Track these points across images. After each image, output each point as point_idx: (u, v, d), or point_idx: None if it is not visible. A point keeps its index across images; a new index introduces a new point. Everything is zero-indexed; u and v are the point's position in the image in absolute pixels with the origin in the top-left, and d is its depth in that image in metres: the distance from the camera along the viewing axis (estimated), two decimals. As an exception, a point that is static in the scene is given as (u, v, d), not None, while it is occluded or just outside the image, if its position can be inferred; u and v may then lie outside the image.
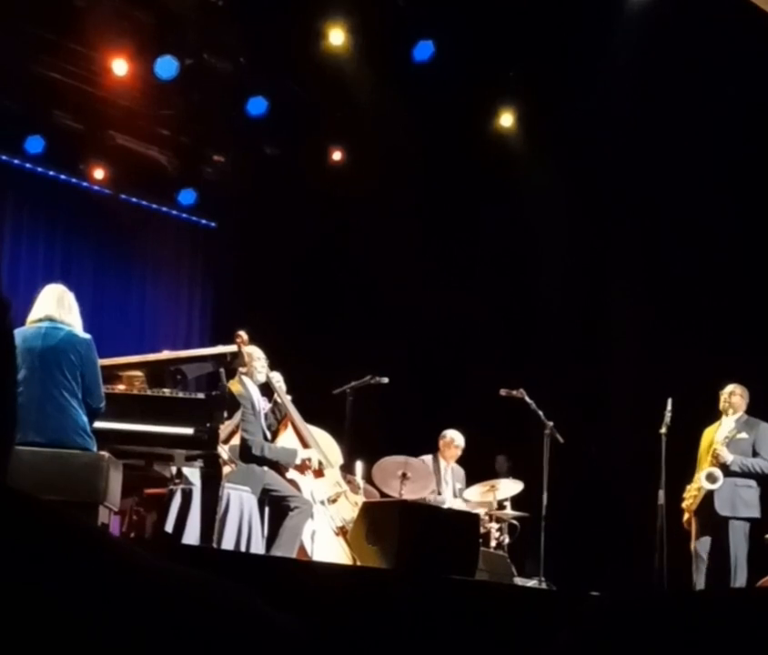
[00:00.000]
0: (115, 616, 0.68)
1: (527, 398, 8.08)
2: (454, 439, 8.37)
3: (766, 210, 8.51)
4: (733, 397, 7.45)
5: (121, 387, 5.87)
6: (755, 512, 7.27)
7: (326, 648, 3.02)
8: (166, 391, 5.81)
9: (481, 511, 7.92)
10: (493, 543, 7.90)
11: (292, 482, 6.80)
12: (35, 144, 9.69)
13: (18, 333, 5.04)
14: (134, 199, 10.64)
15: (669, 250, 9.27)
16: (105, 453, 5.13)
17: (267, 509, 6.61)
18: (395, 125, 9.44)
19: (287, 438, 7.06)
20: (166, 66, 8.98)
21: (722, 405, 7.52)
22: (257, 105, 9.79)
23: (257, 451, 6.60)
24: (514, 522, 8.14)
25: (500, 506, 8.12)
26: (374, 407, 8.13)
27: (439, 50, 9.37)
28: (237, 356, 6.53)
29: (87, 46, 8.92)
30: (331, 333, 10.32)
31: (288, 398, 7.20)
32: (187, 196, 10.78)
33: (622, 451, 8.96)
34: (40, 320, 5.21)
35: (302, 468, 6.91)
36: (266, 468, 6.62)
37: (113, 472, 5.11)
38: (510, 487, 8.18)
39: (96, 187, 10.26)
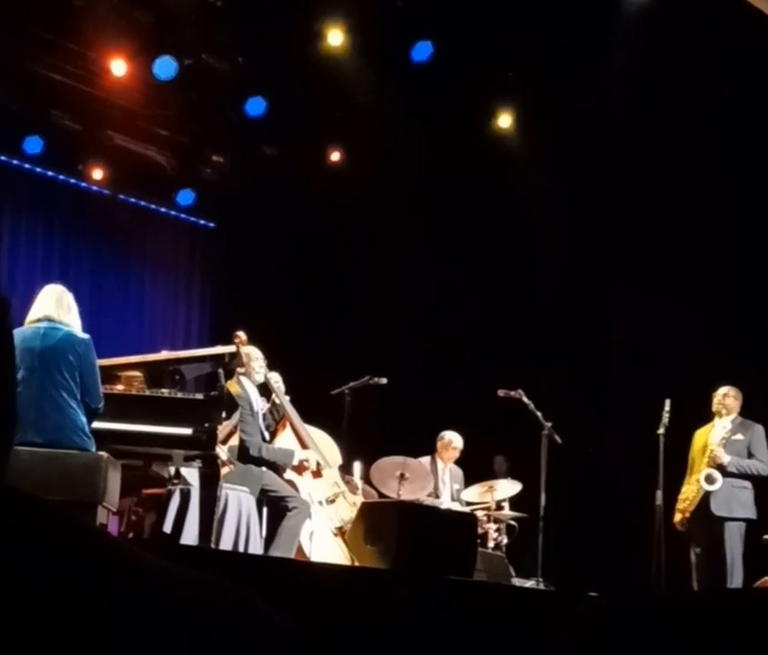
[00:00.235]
0: (114, 616, 0.68)
1: (525, 399, 8.08)
2: (452, 441, 8.37)
3: (765, 211, 8.51)
4: (727, 398, 7.48)
5: (120, 388, 5.87)
6: (750, 513, 7.30)
7: (324, 648, 3.02)
8: (165, 391, 5.81)
9: (480, 512, 7.93)
10: (491, 544, 7.90)
11: (290, 483, 6.80)
12: (33, 144, 9.68)
13: (17, 333, 5.04)
14: (132, 199, 10.63)
15: (668, 250, 9.27)
16: (103, 453, 5.13)
17: (265, 510, 6.61)
18: (393, 125, 9.44)
19: (285, 439, 7.06)
20: (165, 67, 8.97)
21: (715, 407, 7.55)
22: (255, 106, 9.79)
23: (255, 452, 6.60)
24: (512, 523, 8.15)
25: (498, 506, 8.12)
26: (372, 407, 8.13)
27: (437, 51, 9.37)
28: (235, 356, 6.53)
29: (86, 46, 8.91)
30: (330, 333, 10.32)
31: (287, 398, 7.19)
32: (186, 197, 10.78)
33: (621, 452, 8.95)
34: (39, 320, 5.21)
35: (300, 469, 6.91)
36: (264, 469, 6.62)
37: (111, 472, 5.11)
38: (508, 487, 8.18)
39: (94, 188, 10.26)
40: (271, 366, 7.12)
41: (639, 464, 8.00)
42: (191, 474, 6.02)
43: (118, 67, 8.98)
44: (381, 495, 7.74)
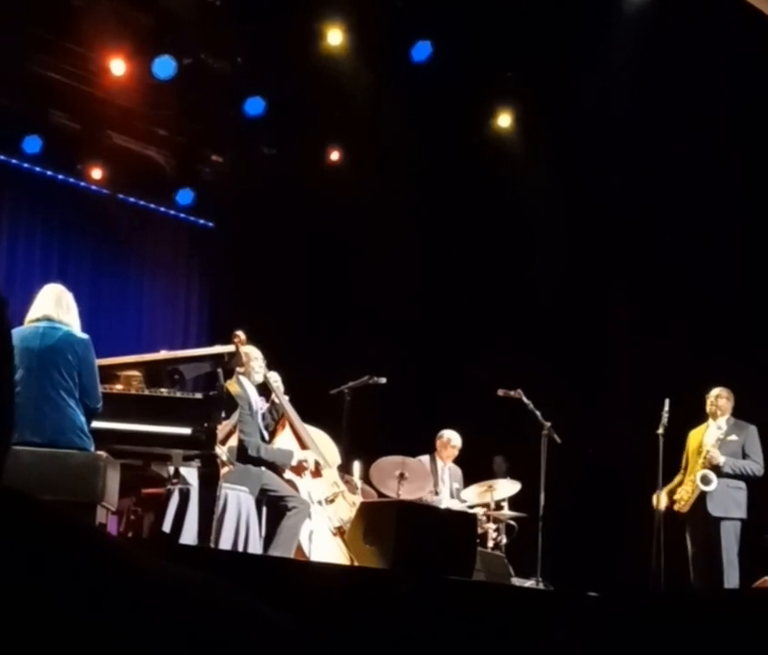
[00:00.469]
0: (113, 616, 0.68)
1: (524, 399, 8.08)
2: (451, 440, 8.37)
3: (764, 212, 8.51)
4: (720, 400, 7.55)
5: (119, 387, 5.87)
6: (744, 513, 7.37)
7: (323, 648, 3.02)
8: (164, 391, 5.81)
9: (479, 511, 7.93)
10: (490, 543, 7.90)
11: (290, 482, 6.80)
12: (32, 143, 9.68)
13: (16, 333, 5.03)
14: (131, 199, 10.63)
15: (667, 251, 9.27)
16: (102, 453, 5.13)
17: (264, 509, 6.61)
18: (393, 125, 9.44)
19: (284, 439, 7.06)
20: (164, 66, 8.98)
21: (708, 408, 7.61)
22: (254, 106, 9.79)
23: (254, 452, 6.60)
24: (511, 522, 8.15)
25: (498, 506, 8.12)
26: (372, 407, 8.13)
27: (437, 50, 9.37)
28: (234, 356, 6.53)
29: (85, 46, 8.91)
30: (329, 333, 10.32)
31: (286, 398, 7.19)
32: (185, 196, 10.78)
33: (620, 452, 8.96)
34: (38, 320, 5.21)
35: (299, 469, 6.91)
36: (263, 469, 6.62)
37: (110, 472, 5.11)
38: (507, 487, 8.18)
39: (93, 187, 10.25)
40: (270, 365, 7.11)
41: (638, 464, 8.00)
42: (190, 474, 6.02)
43: (117, 67, 8.99)
44: (381, 494, 7.74)
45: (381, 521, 6.04)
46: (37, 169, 9.98)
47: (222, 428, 6.19)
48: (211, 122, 10.07)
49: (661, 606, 0.96)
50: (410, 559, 5.61)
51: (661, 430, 7.52)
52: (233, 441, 6.71)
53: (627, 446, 8.73)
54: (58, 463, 4.96)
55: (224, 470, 6.13)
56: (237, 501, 6.25)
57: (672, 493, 7.60)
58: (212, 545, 5.72)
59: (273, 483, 6.61)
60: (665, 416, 7.50)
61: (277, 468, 6.76)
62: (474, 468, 8.51)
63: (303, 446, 7.04)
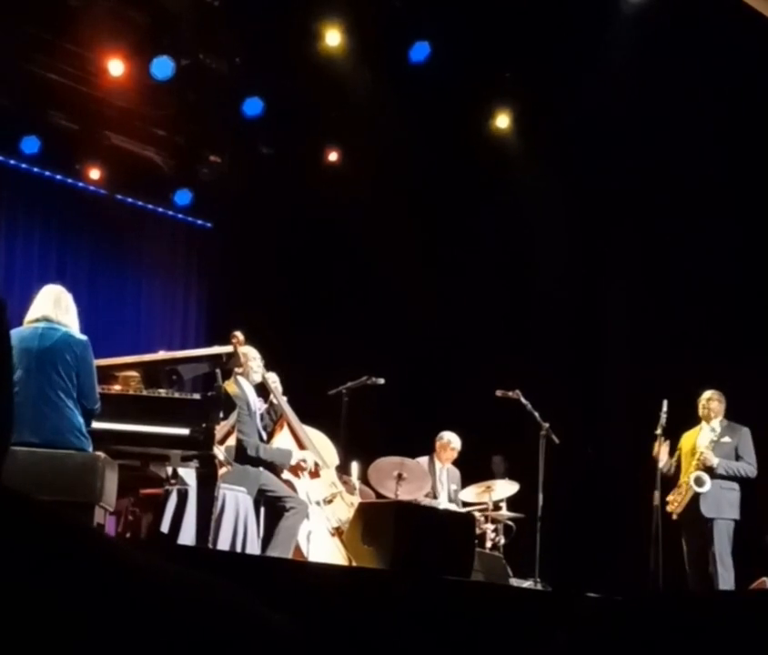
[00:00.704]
0: (111, 616, 0.68)
1: (523, 399, 8.08)
2: (450, 441, 8.37)
3: (763, 211, 8.52)
4: (712, 402, 7.62)
5: (117, 388, 5.86)
6: (737, 514, 7.43)
7: (322, 648, 3.02)
8: (162, 392, 5.80)
9: (477, 512, 7.93)
10: (489, 544, 7.90)
11: (288, 483, 6.79)
12: (30, 144, 9.68)
13: (15, 333, 5.04)
14: (129, 199, 10.63)
15: (665, 251, 9.28)
16: (100, 453, 5.13)
17: (262, 510, 6.61)
18: (391, 125, 9.44)
19: (282, 439, 7.06)
20: (163, 67, 8.98)
21: (700, 411, 7.69)
22: (253, 106, 9.79)
23: (252, 452, 6.60)
24: (510, 523, 8.15)
25: (496, 507, 8.12)
26: (370, 407, 8.13)
27: (435, 51, 9.37)
28: (232, 356, 6.52)
29: (83, 46, 8.91)
30: (327, 333, 10.32)
31: (284, 398, 7.19)
32: (183, 197, 10.78)
33: (618, 452, 8.97)
34: (37, 320, 5.21)
35: (297, 469, 6.90)
36: (261, 469, 6.62)
37: (108, 472, 5.11)
38: (505, 488, 8.19)
39: (91, 188, 10.25)
40: (268, 366, 7.11)
41: (636, 464, 8.01)
42: (188, 474, 6.02)
43: (115, 67, 8.99)
44: (379, 495, 7.74)
45: (379, 522, 6.03)
46: (35, 170, 9.98)
47: (220, 429, 6.19)
48: (209, 122, 10.06)
49: (659, 607, 0.96)
50: (409, 559, 5.61)
51: (659, 431, 7.56)
52: (231, 441, 6.70)
53: (625, 446, 8.74)
54: (56, 463, 4.95)
55: (222, 471, 6.13)
56: (236, 502, 6.25)
57: (661, 495, 7.62)
58: (210, 545, 5.72)
59: (271, 483, 6.61)
60: (663, 416, 7.53)
61: (275, 469, 6.76)
62: (473, 469, 8.51)
63: (301, 446, 7.04)
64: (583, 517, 8.88)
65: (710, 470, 7.40)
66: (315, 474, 7.02)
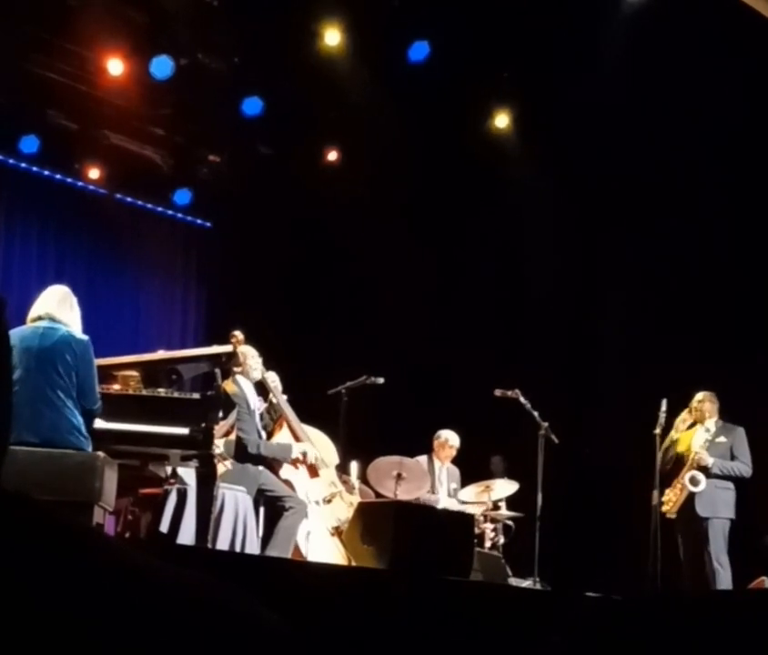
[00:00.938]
0: (110, 616, 0.68)
1: (522, 399, 8.08)
2: (449, 440, 8.37)
3: (758, 213, 8.52)
4: (704, 404, 7.66)
5: (116, 387, 5.86)
6: (732, 513, 7.43)
7: (320, 648, 3.02)
8: (162, 391, 5.80)
9: (476, 512, 7.93)
10: (488, 543, 7.90)
11: (287, 482, 6.80)
12: (29, 143, 9.67)
13: (16, 332, 5.05)
14: (129, 199, 10.62)
15: (663, 251, 9.27)
16: (100, 453, 5.13)
17: (262, 509, 6.61)
18: (390, 125, 9.44)
19: (282, 439, 7.06)
20: (162, 66, 8.98)
21: (693, 413, 7.68)
22: (252, 105, 9.79)
23: (254, 449, 6.60)
24: (509, 523, 8.15)
25: (495, 506, 8.12)
26: (369, 407, 8.13)
27: (434, 51, 9.37)
28: (232, 356, 6.52)
29: (82, 46, 8.90)
30: (326, 333, 10.32)
31: (284, 397, 7.20)
32: (182, 196, 10.78)
33: (617, 452, 8.96)
34: (40, 318, 5.22)
35: (297, 462, 6.90)
36: (261, 468, 6.62)
37: (108, 472, 5.11)
38: (504, 487, 8.18)
39: (90, 187, 10.25)
40: (268, 365, 7.11)
41: (635, 464, 8.02)
42: (188, 474, 6.02)
43: (115, 67, 8.99)
44: (378, 495, 7.74)
45: (379, 521, 6.03)
46: (34, 169, 9.98)
47: (219, 428, 6.19)
48: (208, 122, 10.06)
49: (657, 607, 0.96)
50: (408, 559, 5.61)
51: (658, 430, 7.56)
52: (230, 438, 6.71)
53: (624, 446, 8.74)
54: (55, 463, 4.95)
55: (221, 470, 6.13)
56: (235, 501, 6.25)
57: (660, 495, 7.65)
58: (209, 545, 5.72)
59: (270, 483, 6.61)
60: (662, 416, 7.55)
61: (274, 468, 6.76)
62: (472, 469, 8.51)
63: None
64: (582, 516, 8.88)
65: (705, 470, 7.42)
66: (314, 473, 7.02)
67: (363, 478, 7.72)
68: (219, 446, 6.17)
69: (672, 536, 7.58)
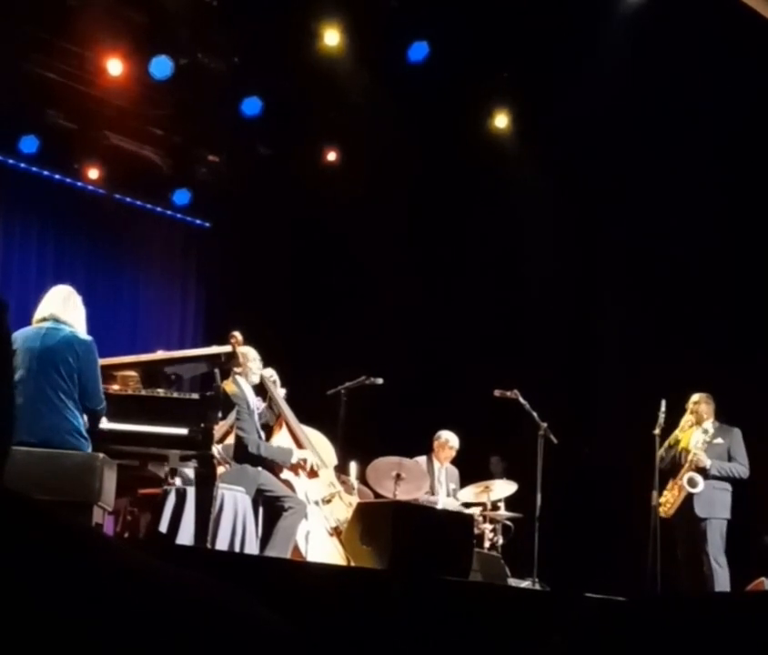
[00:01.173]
0: (110, 616, 0.68)
1: (521, 399, 8.08)
2: (449, 440, 8.37)
3: (757, 213, 8.52)
4: (700, 405, 7.67)
5: (115, 388, 5.86)
6: (729, 513, 7.48)
7: (320, 649, 3.02)
8: (161, 391, 5.80)
9: (475, 512, 7.93)
10: (487, 544, 7.90)
11: (286, 483, 6.80)
12: (29, 143, 9.68)
13: (19, 333, 5.06)
14: (128, 199, 10.63)
15: (662, 251, 9.28)
16: (99, 453, 5.13)
17: (261, 510, 6.61)
18: (389, 125, 9.44)
19: (281, 439, 7.06)
20: (161, 66, 8.98)
21: (688, 415, 7.67)
22: (251, 106, 9.79)
23: (254, 449, 6.60)
24: (508, 523, 8.15)
25: (494, 507, 8.12)
26: (368, 408, 8.13)
27: (433, 51, 9.37)
28: (231, 356, 6.52)
29: (81, 46, 8.91)
30: (326, 333, 10.31)
31: (283, 391, 7.20)
32: (182, 196, 10.78)
33: (616, 452, 8.96)
34: (45, 319, 5.21)
35: (297, 468, 6.91)
36: (260, 469, 6.62)
37: (107, 472, 5.11)
38: (504, 487, 8.18)
39: (90, 187, 10.25)
40: (267, 365, 7.11)
41: (634, 464, 8.02)
42: (188, 474, 6.01)
43: (114, 67, 8.99)
44: (377, 495, 7.74)
45: (378, 522, 6.03)
46: (34, 169, 9.98)
47: (219, 429, 6.19)
48: (208, 122, 10.06)
49: (656, 607, 0.96)
50: (407, 559, 5.61)
51: (657, 431, 7.56)
52: (229, 441, 6.70)
53: (623, 446, 8.74)
54: (55, 463, 4.95)
55: (220, 470, 6.13)
56: (234, 501, 6.25)
57: (659, 495, 7.66)
58: (209, 545, 5.71)
59: (269, 483, 6.61)
60: (662, 416, 7.55)
61: (273, 468, 6.76)
62: (471, 469, 8.51)
63: (300, 446, 7.04)
64: (581, 517, 8.88)
65: (703, 471, 7.43)
66: (313, 474, 7.02)
67: (362, 478, 7.72)
68: (218, 449, 6.16)
69: (672, 536, 7.58)
